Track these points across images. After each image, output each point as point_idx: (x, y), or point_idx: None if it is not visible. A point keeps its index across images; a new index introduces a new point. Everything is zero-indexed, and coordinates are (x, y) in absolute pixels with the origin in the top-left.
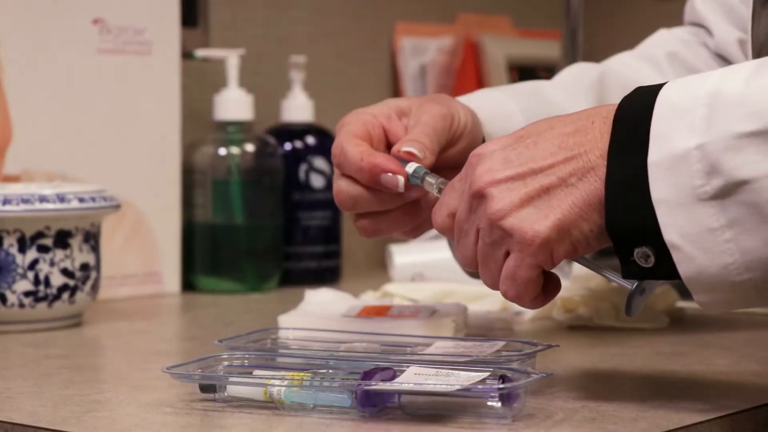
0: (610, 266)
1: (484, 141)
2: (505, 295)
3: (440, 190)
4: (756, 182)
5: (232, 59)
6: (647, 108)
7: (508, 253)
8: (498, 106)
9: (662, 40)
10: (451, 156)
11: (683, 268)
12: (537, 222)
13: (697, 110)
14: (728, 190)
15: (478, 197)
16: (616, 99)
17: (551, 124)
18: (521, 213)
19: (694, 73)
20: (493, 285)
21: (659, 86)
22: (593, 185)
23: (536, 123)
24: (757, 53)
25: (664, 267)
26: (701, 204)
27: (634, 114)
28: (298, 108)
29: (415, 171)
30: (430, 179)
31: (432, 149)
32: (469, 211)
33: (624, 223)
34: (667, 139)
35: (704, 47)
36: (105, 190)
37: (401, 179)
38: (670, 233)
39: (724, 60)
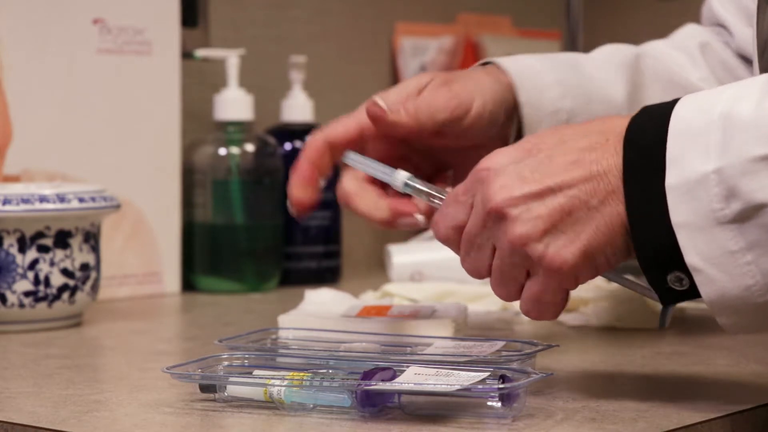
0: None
1: (516, 112)
2: (527, 314)
3: (429, 196)
4: None
5: (232, 59)
6: (661, 129)
7: (528, 273)
8: (536, 77)
9: (693, 32)
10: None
11: (705, 290)
12: (564, 249)
13: (712, 134)
14: (747, 214)
15: (496, 217)
16: (650, 85)
17: (561, 137)
18: (546, 239)
19: (725, 66)
20: (508, 299)
21: (670, 106)
22: (615, 208)
23: (543, 135)
24: (762, 49)
25: (696, 289)
26: (720, 227)
27: (648, 136)
28: (298, 108)
29: (406, 183)
30: (420, 186)
31: (408, 110)
32: (483, 227)
33: (651, 250)
34: (684, 163)
35: (727, 46)
36: (105, 190)
37: (419, 217)
38: (691, 256)
39: (746, 60)
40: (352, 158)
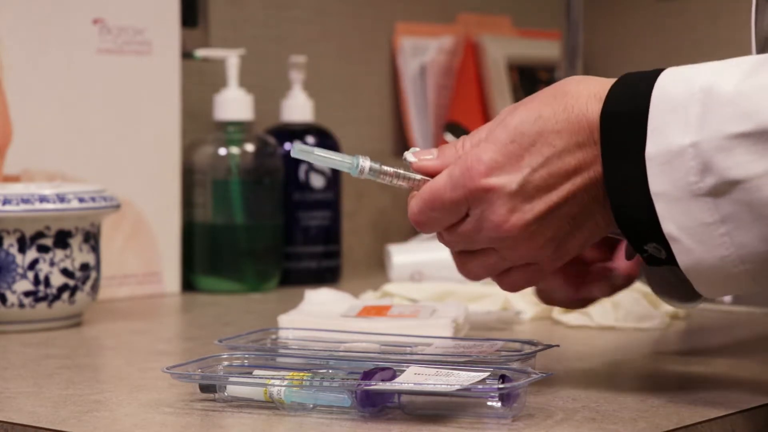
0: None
1: None
2: (509, 290)
3: (395, 177)
4: (747, 182)
5: (232, 59)
6: (643, 98)
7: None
8: None
9: None
10: None
11: (682, 259)
12: (567, 245)
13: (692, 106)
14: (721, 189)
15: (507, 237)
16: None
17: (542, 130)
18: (554, 243)
19: None
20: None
21: (653, 75)
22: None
23: (522, 126)
24: (761, 47)
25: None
26: (696, 199)
27: (629, 105)
28: (298, 108)
29: (371, 169)
30: (387, 168)
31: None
32: (487, 240)
33: (632, 220)
34: (664, 134)
35: None
36: (105, 190)
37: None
38: (668, 225)
39: None
40: (301, 149)
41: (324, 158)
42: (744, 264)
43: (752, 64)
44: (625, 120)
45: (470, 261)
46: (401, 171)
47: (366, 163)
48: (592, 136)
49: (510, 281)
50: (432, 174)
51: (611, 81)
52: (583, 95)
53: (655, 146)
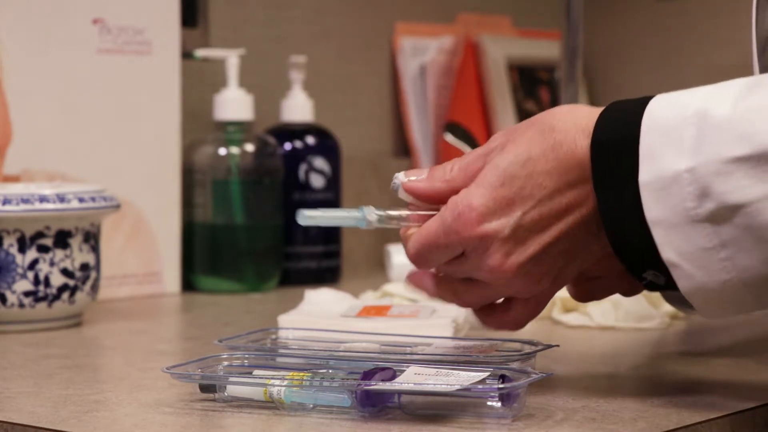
0: None
1: None
2: (507, 328)
3: (400, 221)
4: (748, 206)
5: (232, 59)
6: (633, 124)
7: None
8: None
9: None
10: None
11: (683, 285)
12: (565, 275)
13: (686, 129)
14: (721, 214)
15: (502, 277)
16: None
17: (538, 179)
18: (549, 279)
19: None
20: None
21: (643, 102)
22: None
23: (511, 168)
24: (762, 48)
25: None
26: (694, 225)
27: (620, 131)
28: (298, 108)
29: (378, 218)
30: (393, 213)
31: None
32: (484, 278)
33: (629, 248)
34: (657, 160)
35: None
36: (105, 190)
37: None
38: (667, 252)
39: None
40: (308, 215)
41: (332, 218)
42: (747, 287)
43: (745, 86)
44: (615, 147)
45: (465, 292)
46: (404, 213)
47: (372, 215)
48: (582, 174)
49: (512, 318)
50: (420, 195)
51: (599, 110)
52: (571, 131)
53: (648, 173)
